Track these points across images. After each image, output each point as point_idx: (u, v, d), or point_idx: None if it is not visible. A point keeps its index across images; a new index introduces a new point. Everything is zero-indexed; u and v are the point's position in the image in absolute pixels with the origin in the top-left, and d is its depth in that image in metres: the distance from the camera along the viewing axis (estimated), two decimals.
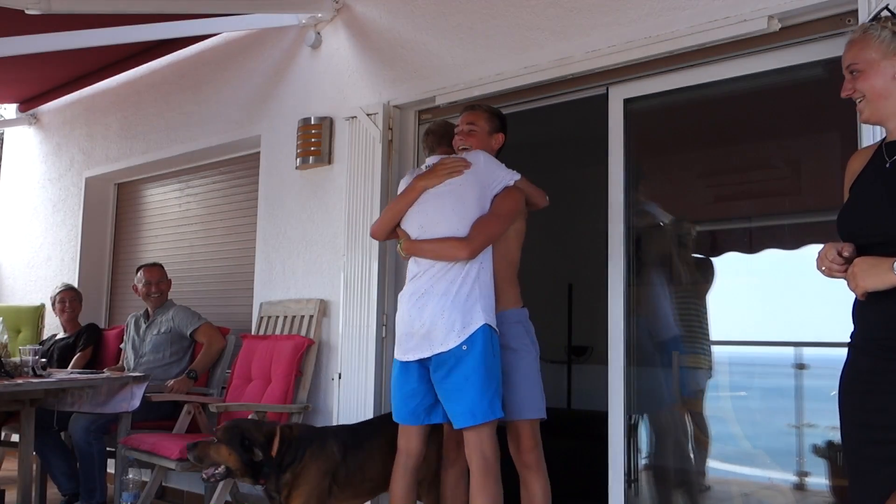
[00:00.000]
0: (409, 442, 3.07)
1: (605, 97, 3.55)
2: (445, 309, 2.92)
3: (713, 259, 4.24)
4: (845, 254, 1.94)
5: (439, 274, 2.98)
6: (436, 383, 2.97)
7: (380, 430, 3.40)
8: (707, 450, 3.92)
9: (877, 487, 1.91)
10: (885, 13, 2.09)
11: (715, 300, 3.95)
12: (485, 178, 3.07)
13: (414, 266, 3.09)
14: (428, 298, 2.96)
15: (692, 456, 4.05)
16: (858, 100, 2.08)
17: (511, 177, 3.12)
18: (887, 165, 2.02)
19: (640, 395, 3.62)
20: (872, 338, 1.97)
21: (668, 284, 3.98)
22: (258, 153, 5.04)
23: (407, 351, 3.01)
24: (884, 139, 2.10)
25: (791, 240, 3.72)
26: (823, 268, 1.98)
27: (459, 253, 2.96)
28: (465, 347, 2.88)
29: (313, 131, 4.55)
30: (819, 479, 3.49)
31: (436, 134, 3.45)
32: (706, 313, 4.14)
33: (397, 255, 4.16)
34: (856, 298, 1.99)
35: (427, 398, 3.02)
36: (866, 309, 1.96)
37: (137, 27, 4.94)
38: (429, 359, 2.96)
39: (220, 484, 3.77)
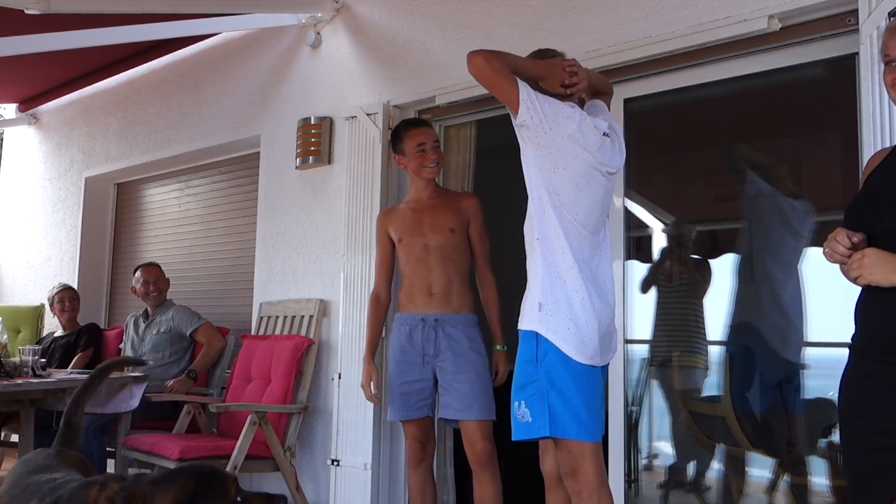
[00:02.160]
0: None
1: None
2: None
3: (711, 260, 4.25)
4: (854, 240, 1.86)
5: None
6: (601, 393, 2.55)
7: None
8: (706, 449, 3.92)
9: (877, 495, 1.84)
10: None
11: (714, 300, 3.96)
12: None
13: (590, 244, 2.50)
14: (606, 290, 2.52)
15: (691, 455, 4.05)
16: None
17: None
18: None
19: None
20: (873, 340, 1.90)
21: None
22: (258, 153, 5.04)
23: (594, 356, 2.43)
24: None
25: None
26: (827, 249, 1.90)
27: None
28: None
29: (313, 131, 4.55)
30: (819, 479, 3.49)
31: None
32: (703, 313, 4.15)
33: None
34: (858, 300, 1.94)
35: None
36: (867, 310, 1.90)
37: (137, 27, 4.93)
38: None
39: None
